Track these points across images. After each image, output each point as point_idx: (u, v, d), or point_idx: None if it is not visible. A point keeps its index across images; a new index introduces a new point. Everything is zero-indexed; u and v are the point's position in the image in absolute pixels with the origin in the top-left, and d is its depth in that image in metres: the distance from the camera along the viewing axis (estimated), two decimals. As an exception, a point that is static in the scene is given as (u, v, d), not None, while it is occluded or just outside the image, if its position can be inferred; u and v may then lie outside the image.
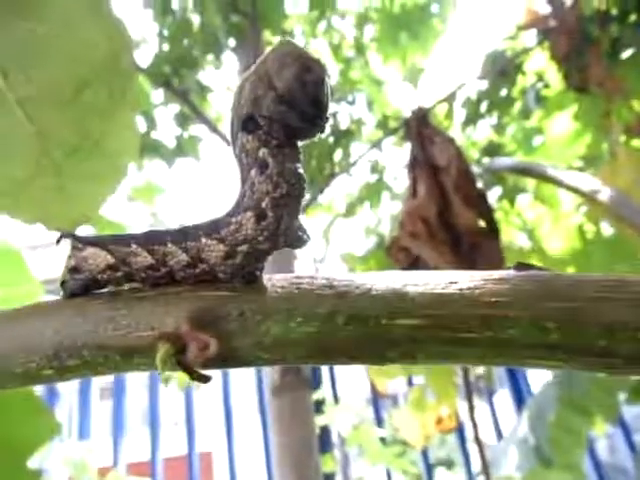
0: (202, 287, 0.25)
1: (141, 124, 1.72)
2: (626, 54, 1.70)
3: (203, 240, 0.24)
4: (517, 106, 1.90)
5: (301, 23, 2.30)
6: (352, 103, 2.08)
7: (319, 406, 2.13)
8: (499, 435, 2.25)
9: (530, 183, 1.97)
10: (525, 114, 1.90)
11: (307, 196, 1.89)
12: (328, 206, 2.44)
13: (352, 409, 2.34)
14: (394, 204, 2.27)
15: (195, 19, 1.61)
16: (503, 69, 1.70)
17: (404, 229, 1.41)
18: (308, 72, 0.21)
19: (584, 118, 1.90)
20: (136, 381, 2.50)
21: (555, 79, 1.80)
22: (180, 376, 2.18)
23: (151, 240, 0.25)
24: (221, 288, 0.24)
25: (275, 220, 0.23)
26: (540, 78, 1.79)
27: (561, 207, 1.98)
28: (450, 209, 1.48)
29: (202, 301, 0.24)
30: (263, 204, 0.23)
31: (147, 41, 1.71)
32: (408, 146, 1.61)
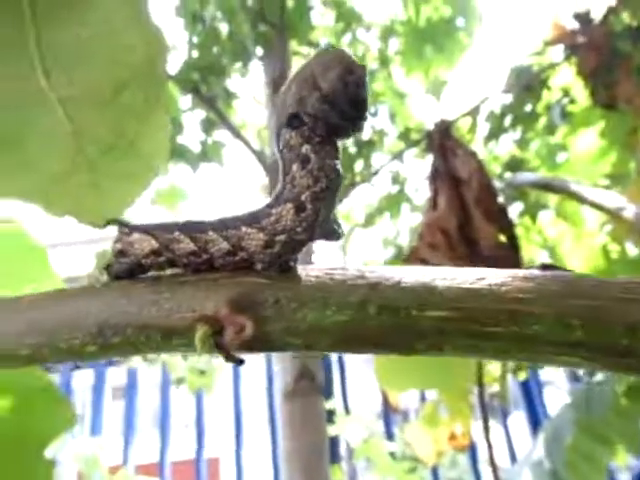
0: (240, 274, 0.26)
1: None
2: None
3: (244, 229, 0.26)
4: (542, 121, 1.90)
5: (327, 34, 2.34)
6: (374, 115, 2.10)
7: (330, 416, 2.13)
8: (512, 457, 2.21)
9: (552, 200, 1.96)
10: (550, 130, 1.89)
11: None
12: (346, 216, 2.46)
13: (362, 421, 2.33)
14: (414, 216, 2.27)
15: (224, 28, 1.65)
16: (528, 84, 1.70)
17: (423, 240, 1.41)
18: (350, 74, 0.23)
19: (611, 135, 1.88)
20: (148, 382, 2.52)
21: (581, 95, 1.80)
22: (191, 379, 2.20)
23: (193, 228, 0.27)
24: (258, 276, 0.26)
25: (313, 212, 0.25)
26: (566, 94, 1.79)
27: (584, 225, 1.95)
28: (470, 222, 1.48)
29: (240, 287, 0.25)
30: (303, 197, 0.25)
31: (176, 48, 1.76)
32: (429, 158, 1.62)
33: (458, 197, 1.53)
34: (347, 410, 2.34)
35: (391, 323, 0.23)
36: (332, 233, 0.26)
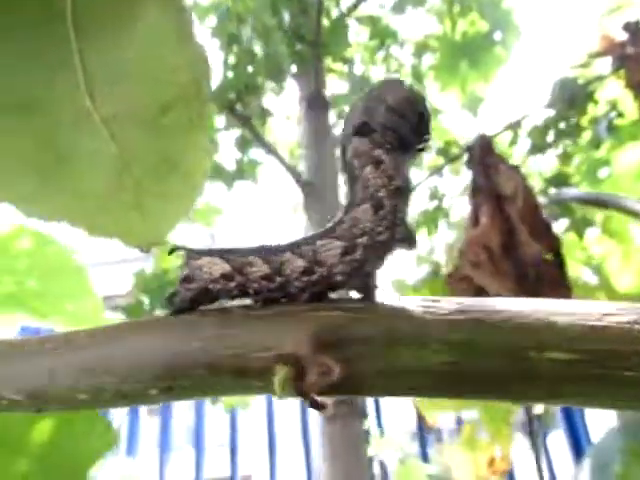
0: (321, 306, 0.23)
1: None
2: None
3: (318, 242, 0.24)
4: (586, 136, 1.83)
5: (360, 51, 2.34)
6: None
7: (364, 437, 2.07)
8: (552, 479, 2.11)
9: (598, 216, 1.87)
10: (595, 144, 1.82)
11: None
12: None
13: (397, 442, 2.26)
14: (448, 232, 2.22)
15: (259, 48, 1.65)
16: (573, 97, 1.64)
17: (466, 258, 1.36)
18: (414, 94, 0.24)
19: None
20: (183, 401, 2.51)
21: (630, 108, 1.73)
22: (226, 398, 2.18)
23: (268, 251, 0.24)
24: (343, 308, 0.23)
25: (392, 209, 0.23)
26: (613, 107, 1.72)
27: (632, 242, 1.86)
28: (514, 239, 1.42)
29: (323, 321, 0.22)
30: (380, 194, 0.23)
31: (213, 68, 1.77)
32: (466, 174, 1.58)
33: (501, 213, 1.48)
34: (381, 430, 2.28)
35: (503, 366, 0.20)
36: (408, 239, 0.24)
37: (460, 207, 2.09)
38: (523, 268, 1.45)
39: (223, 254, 0.25)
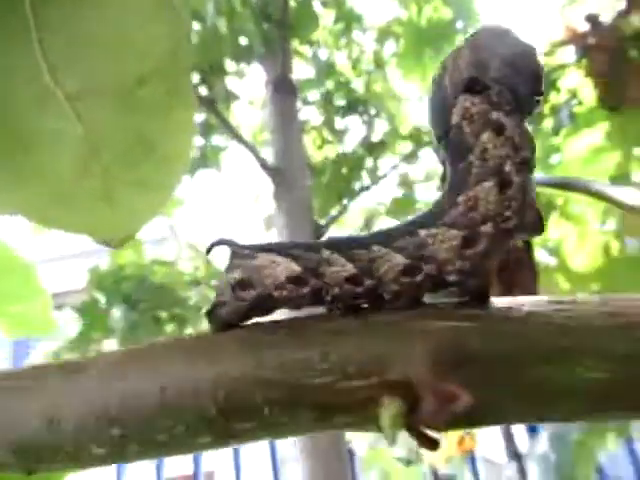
0: (428, 314, 0.18)
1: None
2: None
3: (422, 232, 0.18)
4: (547, 123, 1.85)
5: (325, 35, 2.27)
6: (376, 115, 2.04)
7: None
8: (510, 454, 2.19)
9: (559, 200, 1.91)
10: (555, 131, 1.85)
11: (337, 209, 1.83)
12: (341, 221, 2.39)
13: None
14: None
15: (224, 27, 1.56)
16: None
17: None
18: (529, 46, 0.20)
19: (616, 136, 1.85)
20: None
21: (589, 97, 1.76)
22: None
23: (347, 245, 0.18)
24: (456, 316, 0.17)
25: (520, 187, 0.18)
26: (574, 95, 1.75)
27: (588, 224, 1.92)
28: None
29: (439, 335, 0.17)
30: (505, 168, 0.18)
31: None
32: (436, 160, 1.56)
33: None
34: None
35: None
36: (539, 225, 0.19)
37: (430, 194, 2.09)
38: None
39: (286, 250, 0.19)
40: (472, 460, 2.16)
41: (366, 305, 0.18)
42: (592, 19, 1.74)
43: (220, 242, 0.19)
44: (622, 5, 1.63)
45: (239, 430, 0.17)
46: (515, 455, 2.14)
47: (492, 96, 0.19)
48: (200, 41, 1.46)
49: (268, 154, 1.69)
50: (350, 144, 1.80)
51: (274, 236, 2.49)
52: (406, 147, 1.83)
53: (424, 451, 1.81)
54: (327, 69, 2.06)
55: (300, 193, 1.56)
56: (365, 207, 2.27)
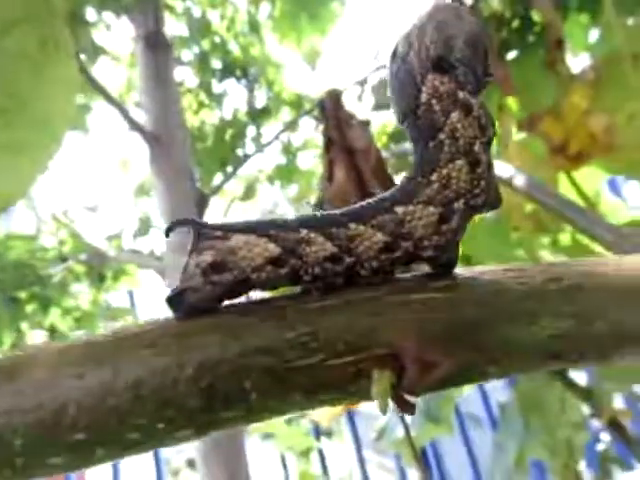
0: (403, 288, 0.18)
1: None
2: (510, 55, 1.85)
3: (399, 209, 0.19)
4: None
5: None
6: (255, 81, 1.99)
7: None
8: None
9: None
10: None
11: (220, 177, 1.77)
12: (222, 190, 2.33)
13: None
14: (292, 187, 2.23)
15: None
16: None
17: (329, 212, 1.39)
18: (482, 25, 0.21)
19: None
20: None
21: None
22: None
23: (323, 222, 0.18)
24: (430, 288, 0.18)
25: (487, 166, 0.19)
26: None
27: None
28: (368, 195, 1.49)
29: (418, 308, 0.17)
30: (475, 148, 0.19)
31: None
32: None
33: (354, 168, 1.53)
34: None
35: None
36: (498, 199, 0.20)
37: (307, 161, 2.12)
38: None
39: (263, 230, 0.18)
40: (350, 414, 2.31)
41: (342, 282, 0.18)
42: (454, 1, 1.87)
43: (182, 222, 0.18)
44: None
45: (223, 419, 0.16)
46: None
47: (459, 76, 0.19)
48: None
49: (140, 116, 1.57)
50: (229, 110, 1.74)
51: (150, 204, 2.34)
52: (288, 115, 1.82)
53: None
54: (201, 28, 1.95)
55: (180, 159, 1.48)
56: (245, 174, 2.24)
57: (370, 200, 0.19)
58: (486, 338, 0.18)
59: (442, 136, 0.19)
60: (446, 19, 0.20)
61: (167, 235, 0.18)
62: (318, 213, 0.19)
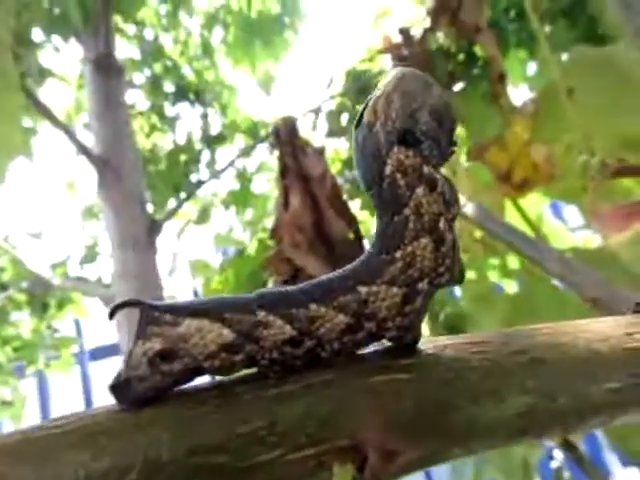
0: (364, 369, 0.17)
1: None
2: (457, 87, 1.93)
3: (363, 289, 0.18)
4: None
5: (149, 15, 2.11)
6: (209, 105, 1.97)
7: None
8: None
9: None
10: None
11: (173, 202, 1.72)
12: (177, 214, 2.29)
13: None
14: (248, 211, 2.21)
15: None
16: (363, 87, 1.79)
17: (284, 239, 1.37)
18: (444, 95, 0.21)
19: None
20: None
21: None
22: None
23: (281, 303, 0.17)
24: (392, 368, 0.17)
25: (452, 245, 0.19)
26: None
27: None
28: (323, 220, 1.49)
29: (377, 392, 0.17)
30: (440, 226, 0.19)
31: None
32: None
33: (310, 195, 1.53)
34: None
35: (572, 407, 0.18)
36: (461, 276, 0.20)
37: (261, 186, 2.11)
38: (332, 247, 1.54)
39: (215, 313, 0.16)
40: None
41: (301, 365, 0.17)
42: (404, 32, 1.93)
43: (128, 303, 0.16)
44: (428, 22, 1.85)
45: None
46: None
47: (424, 150, 0.19)
48: (6, 7, 1.23)
49: (89, 139, 1.51)
50: (183, 134, 1.72)
51: (98, 229, 2.25)
52: (242, 141, 1.81)
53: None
54: (154, 51, 1.93)
55: (130, 183, 1.43)
56: (199, 198, 2.20)
57: (332, 276, 0.18)
58: (451, 421, 0.17)
59: (407, 212, 0.19)
60: (412, 89, 0.19)
61: (111, 317, 0.17)
62: (276, 290, 0.18)
